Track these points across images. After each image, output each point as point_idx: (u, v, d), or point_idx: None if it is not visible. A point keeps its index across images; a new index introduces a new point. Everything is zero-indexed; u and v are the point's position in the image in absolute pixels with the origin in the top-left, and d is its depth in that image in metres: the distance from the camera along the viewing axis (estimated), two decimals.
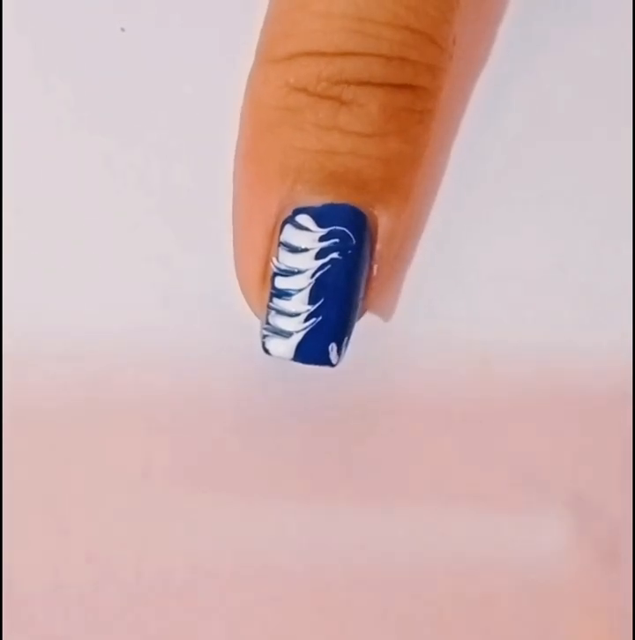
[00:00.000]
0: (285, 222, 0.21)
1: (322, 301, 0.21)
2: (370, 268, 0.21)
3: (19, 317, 0.23)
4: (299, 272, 0.21)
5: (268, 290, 0.21)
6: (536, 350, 0.24)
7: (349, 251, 0.21)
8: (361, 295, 0.22)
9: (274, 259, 0.21)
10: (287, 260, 0.21)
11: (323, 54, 0.19)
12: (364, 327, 0.23)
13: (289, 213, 0.21)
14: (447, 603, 0.23)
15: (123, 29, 0.23)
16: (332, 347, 0.21)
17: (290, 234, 0.21)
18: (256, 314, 0.22)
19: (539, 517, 0.23)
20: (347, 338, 0.21)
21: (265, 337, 0.22)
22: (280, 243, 0.21)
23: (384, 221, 0.21)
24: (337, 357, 0.21)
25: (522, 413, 0.24)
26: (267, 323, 0.21)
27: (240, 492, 0.23)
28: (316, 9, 0.19)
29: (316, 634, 0.23)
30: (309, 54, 0.19)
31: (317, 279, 0.21)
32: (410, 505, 0.23)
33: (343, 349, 0.21)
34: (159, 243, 0.23)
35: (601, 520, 0.23)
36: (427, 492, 0.23)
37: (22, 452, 0.23)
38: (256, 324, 0.22)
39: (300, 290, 0.21)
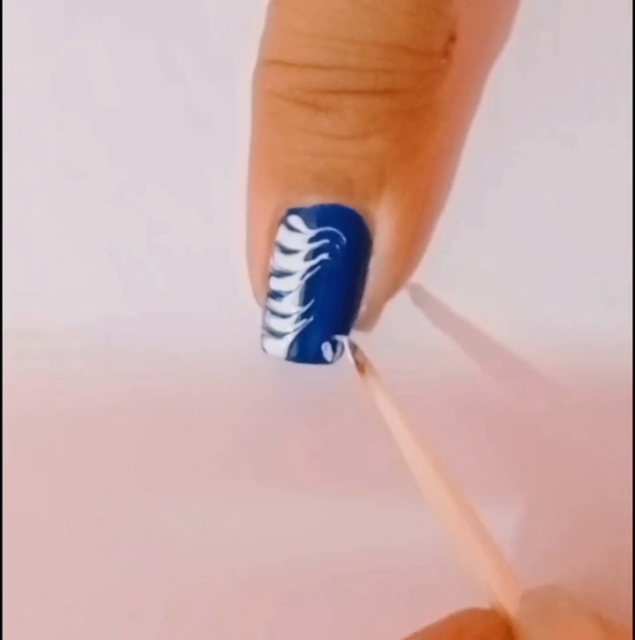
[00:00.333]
0: (280, 223, 0.21)
1: (312, 302, 0.21)
2: (367, 265, 0.21)
3: (17, 314, 0.24)
4: (290, 274, 0.21)
5: (266, 291, 0.22)
6: (536, 350, 0.23)
7: (340, 251, 0.21)
8: (357, 292, 0.22)
9: (271, 260, 0.21)
10: (280, 261, 0.21)
11: (292, 64, 0.19)
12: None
13: (284, 214, 0.21)
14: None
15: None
16: (326, 346, 0.21)
17: (283, 236, 0.21)
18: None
19: (536, 515, 0.23)
20: (343, 335, 0.22)
21: (262, 336, 0.22)
22: (276, 244, 0.21)
23: (381, 217, 0.21)
24: (332, 354, 0.22)
25: (521, 411, 0.23)
26: (264, 322, 0.22)
27: (240, 487, 0.23)
28: (286, 25, 0.19)
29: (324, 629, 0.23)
30: (280, 63, 0.20)
31: (306, 281, 0.21)
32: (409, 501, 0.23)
33: (339, 347, 0.22)
34: (162, 240, 0.24)
35: (602, 519, 0.23)
36: None
37: (22, 450, 0.23)
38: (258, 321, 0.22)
39: (290, 292, 0.21)
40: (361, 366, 0.21)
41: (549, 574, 0.23)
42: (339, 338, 0.21)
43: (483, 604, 0.19)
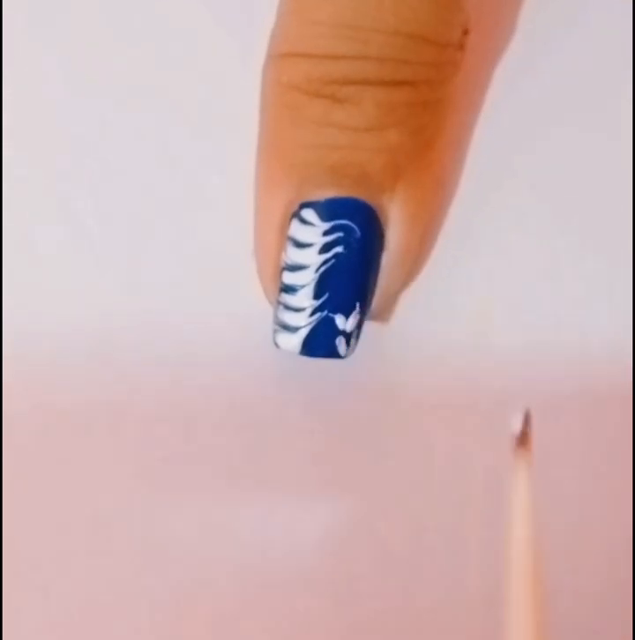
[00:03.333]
0: (292, 217, 0.21)
1: (327, 296, 0.21)
2: (380, 258, 0.21)
3: (19, 313, 0.23)
4: (304, 268, 0.21)
5: (278, 285, 0.22)
6: (536, 349, 0.24)
7: (354, 245, 0.21)
8: (371, 286, 0.21)
9: (283, 254, 0.21)
10: (293, 255, 0.21)
11: (311, 56, 0.19)
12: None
13: (296, 208, 0.21)
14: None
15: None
16: (340, 340, 0.21)
17: (296, 229, 0.21)
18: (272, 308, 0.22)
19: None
20: (356, 330, 0.22)
21: (275, 331, 0.22)
22: (288, 238, 0.21)
23: (394, 210, 0.21)
24: (346, 349, 0.21)
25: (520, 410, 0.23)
26: (276, 317, 0.22)
27: (241, 489, 0.23)
28: (306, 16, 0.19)
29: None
30: (298, 55, 0.19)
31: (320, 274, 0.21)
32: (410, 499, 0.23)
33: (353, 341, 0.22)
34: (164, 240, 0.24)
35: (602, 519, 0.23)
36: (429, 486, 0.23)
37: (22, 451, 0.23)
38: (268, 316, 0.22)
39: (304, 286, 0.21)
40: (524, 438, 0.17)
41: (547, 574, 0.23)
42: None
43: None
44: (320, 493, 0.23)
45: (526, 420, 0.17)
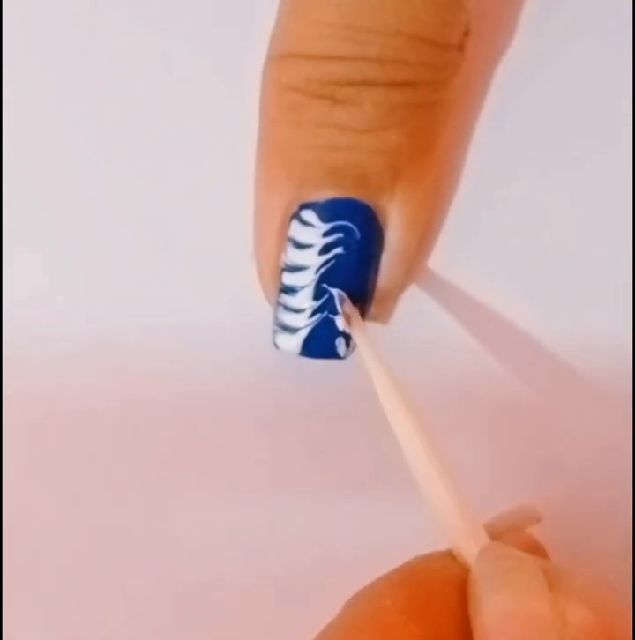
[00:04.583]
0: (292, 218, 0.21)
1: (327, 296, 0.21)
2: (379, 258, 0.21)
3: (19, 314, 0.23)
4: (304, 269, 0.21)
5: (277, 286, 0.22)
6: (537, 349, 0.24)
7: (354, 246, 0.21)
8: (370, 286, 0.22)
9: (283, 255, 0.21)
10: (293, 256, 0.21)
11: (311, 57, 0.19)
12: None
13: (296, 209, 0.21)
14: None
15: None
16: (340, 341, 0.21)
17: (296, 230, 0.21)
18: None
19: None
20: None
21: (274, 332, 0.22)
22: (288, 239, 0.21)
23: (393, 212, 0.21)
24: (345, 349, 0.22)
25: (522, 410, 0.23)
26: (276, 318, 0.22)
27: (243, 487, 0.23)
28: (306, 16, 0.19)
29: None
30: (298, 56, 0.19)
31: (320, 276, 0.21)
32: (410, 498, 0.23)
33: (353, 342, 0.22)
34: (165, 243, 0.24)
35: (602, 516, 0.23)
36: None
37: (23, 455, 0.23)
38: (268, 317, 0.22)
39: (304, 287, 0.21)
40: (347, 317, 0.21)
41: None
42: (331, 290, 0.21)
43: None
44: (320, 492, 0.23)
45: (342, 302, 0.21)
